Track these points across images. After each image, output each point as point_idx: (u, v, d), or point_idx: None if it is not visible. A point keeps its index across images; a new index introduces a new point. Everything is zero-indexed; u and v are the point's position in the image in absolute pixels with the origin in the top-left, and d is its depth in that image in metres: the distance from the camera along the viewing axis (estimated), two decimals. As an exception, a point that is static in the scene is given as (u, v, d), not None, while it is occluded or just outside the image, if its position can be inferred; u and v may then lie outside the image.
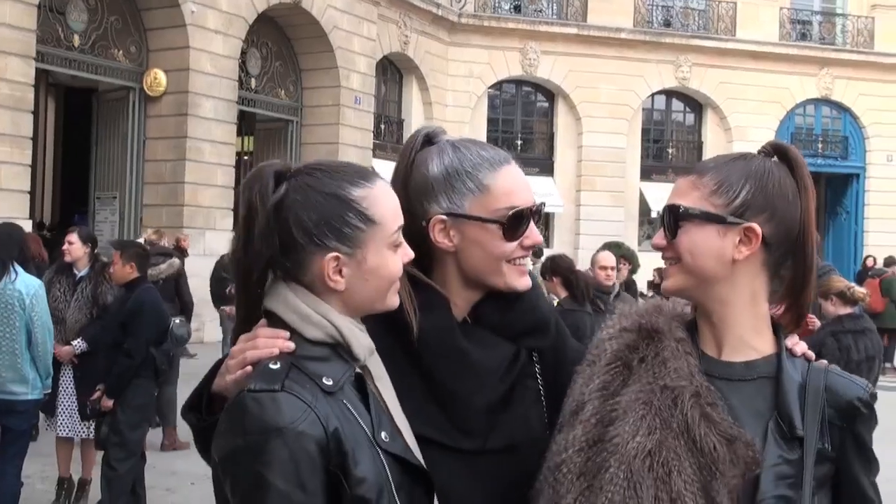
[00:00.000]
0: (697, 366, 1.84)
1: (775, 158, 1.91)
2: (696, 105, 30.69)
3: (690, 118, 31.00)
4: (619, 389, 1.83)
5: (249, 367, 1.74)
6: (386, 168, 22.43)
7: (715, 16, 29.90)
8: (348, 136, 22.33)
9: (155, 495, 7.93)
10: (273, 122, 22.48)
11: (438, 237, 2.00)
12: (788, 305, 1.91)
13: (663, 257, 1.91)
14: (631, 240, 26.14)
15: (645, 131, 30.09)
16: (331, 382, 1.71)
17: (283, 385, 1.67)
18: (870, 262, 24.04)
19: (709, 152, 28.95)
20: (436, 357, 1.94)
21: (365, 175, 1.83)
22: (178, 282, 10.66)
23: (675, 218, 1.87)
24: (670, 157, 30.43)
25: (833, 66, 30.73)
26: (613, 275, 8.79)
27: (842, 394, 1.81)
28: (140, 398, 7.17)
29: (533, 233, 2.02)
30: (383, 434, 1.74)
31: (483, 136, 26.39)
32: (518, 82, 29.22)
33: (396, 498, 1.71)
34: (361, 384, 1.78)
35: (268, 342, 1.75)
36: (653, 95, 29.85)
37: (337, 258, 1.77)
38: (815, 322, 7.17)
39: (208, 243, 18.20)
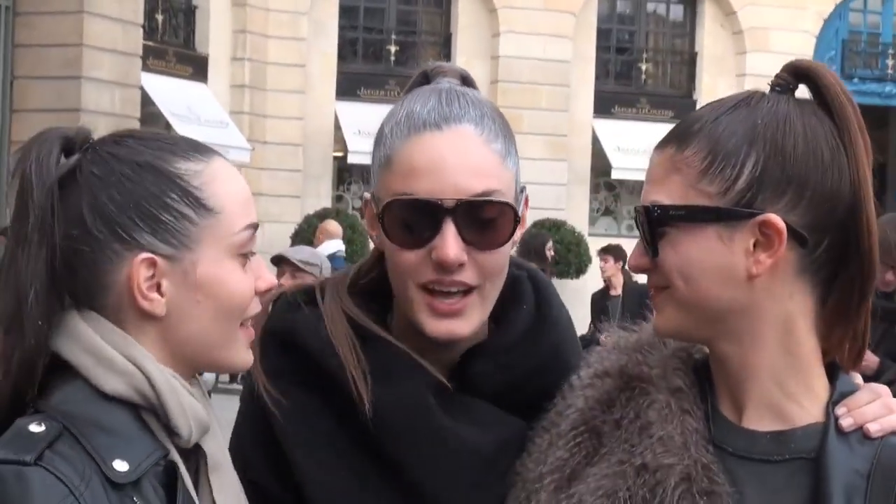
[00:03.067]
0: (700, 431, 1.56)
1: (796, 94, 1.60)
2: (687, -9, 25.84)
3: (677, 12, 26.01)
4: (581, 471, 1.60)
5: None
6: (162, 87, 18.27)
7: None
8: (99, 32, 17.28)
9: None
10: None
11: (367, 226, 1.81)
12: (838, 333, 1.59)
13: (649, 283, 1.63)
14: (579, 215, 22.58)
15: (603, 34, 24.56)
16: (124, 469, 1.42)
17: (39, 456, 1.39)
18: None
19: (706, 70, 24.79)
20: (405, 445, 1.68)
21: (197, 146, 1.56)
22: None
23: (652, 224, 1.56)
24: (643, 77, 25.49)
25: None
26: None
27: None
28: None
29: (444, 244, 1.64)
30: None
31: (332, 36, 21.83)
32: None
33: None
34: (171, 477, 1.47)
35: None
36: (616, -28, 25.38)
37: (152, 262, 1.47)
38: (868, 359, 5.13)
39: None
